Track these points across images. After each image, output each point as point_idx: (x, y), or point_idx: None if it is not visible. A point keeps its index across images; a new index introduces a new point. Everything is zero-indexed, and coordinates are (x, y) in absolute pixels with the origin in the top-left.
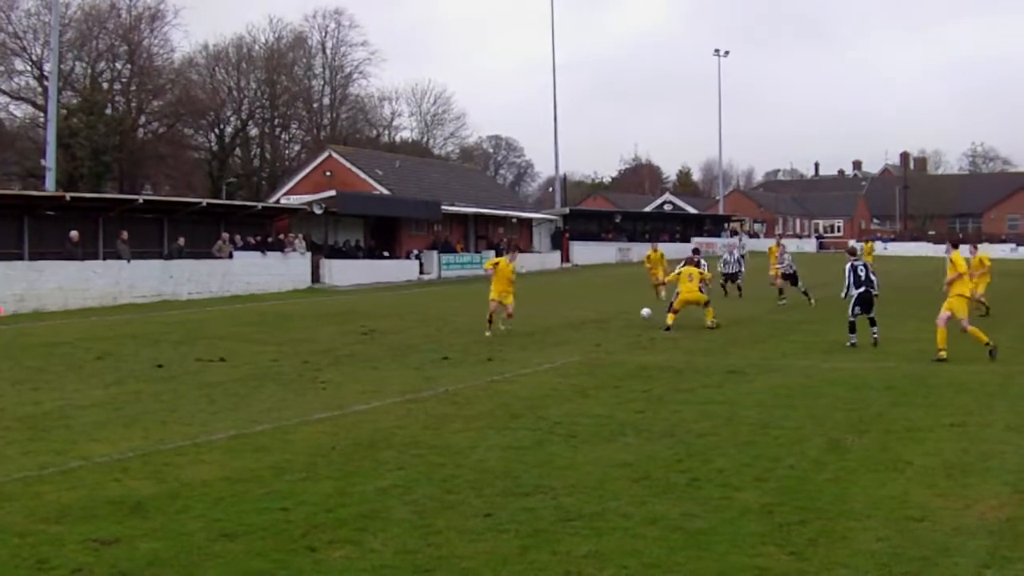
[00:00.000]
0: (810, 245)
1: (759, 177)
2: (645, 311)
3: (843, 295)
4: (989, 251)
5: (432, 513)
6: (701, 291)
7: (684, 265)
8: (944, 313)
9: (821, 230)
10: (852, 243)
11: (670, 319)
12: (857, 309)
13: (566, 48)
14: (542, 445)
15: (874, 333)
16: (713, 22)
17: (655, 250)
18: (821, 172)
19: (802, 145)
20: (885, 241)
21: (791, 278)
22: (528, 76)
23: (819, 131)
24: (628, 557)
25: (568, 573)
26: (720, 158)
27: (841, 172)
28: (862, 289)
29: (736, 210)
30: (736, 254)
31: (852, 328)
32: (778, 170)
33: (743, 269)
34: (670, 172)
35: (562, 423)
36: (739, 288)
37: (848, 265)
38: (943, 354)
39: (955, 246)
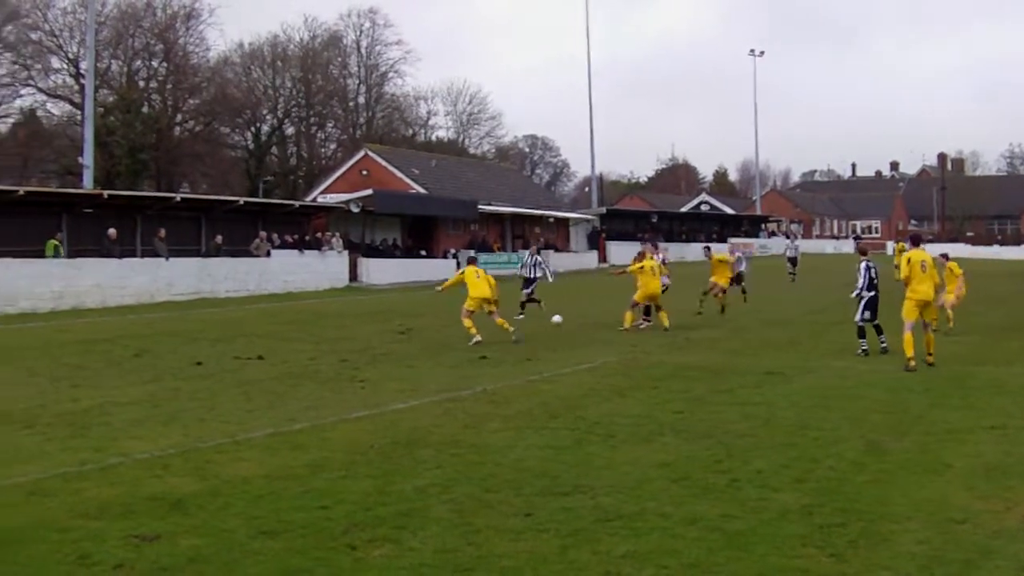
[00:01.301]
0: (848, 246)
1: (796, 178)
2: (556, 317)
3: (854, 295)
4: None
5: (471, 512)
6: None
7: (639, 259)
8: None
9: (858, 231)
10: (860, 241)
11: (630, 319)
12: (867, 313)
13: (602, 48)
14: (581, 445)
15: (882, 342)
16: (749, 22)
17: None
18: (858, 173)
19: (839, 146)
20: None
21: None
22: (564, 75)
23: (856, 132)
24: (667, 557)
25: (607, 573)
26: (756, 158)
27: (878, 173)
28: (874, 292)
29: (773, 210)
30: (738, 254)
31: (862, 333)
32: (815, 171)
33: (743, 269)
34: (706, 172)
35: (600, 423)
36: (744, 291)
37: (863, 265)
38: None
39: (915, 244)
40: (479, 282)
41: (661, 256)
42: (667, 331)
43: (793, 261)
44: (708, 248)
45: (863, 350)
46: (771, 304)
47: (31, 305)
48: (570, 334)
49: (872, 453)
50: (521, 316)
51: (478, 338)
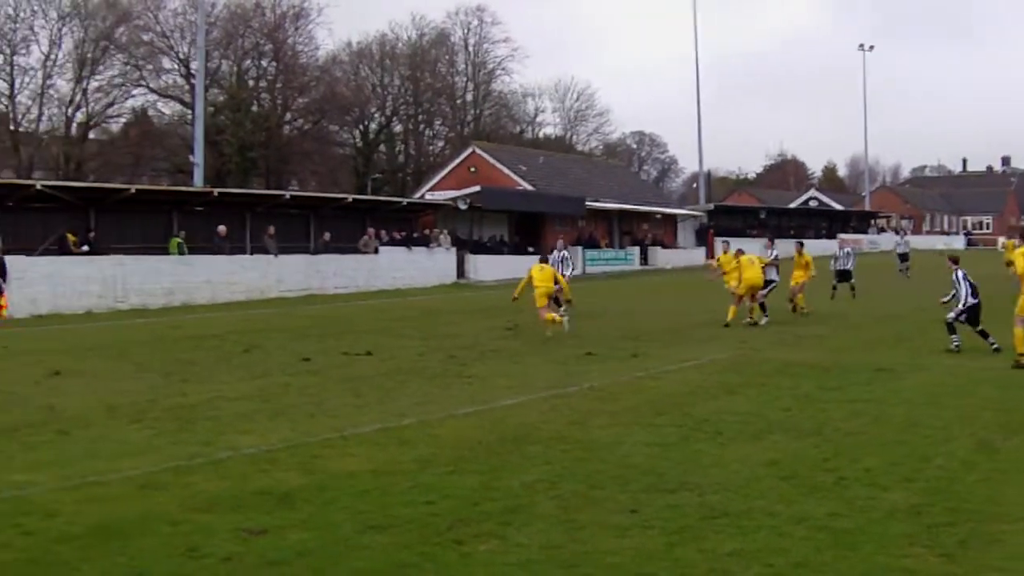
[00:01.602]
0: (959, 242)
1: (906, 173)
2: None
3: (961, 305)
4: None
5: (577, 508)
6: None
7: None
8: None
9: (969, 227)
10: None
11: (733, 312)
12: (964, 317)
13: (710, 43)
14: (687, 442)
15: (992, 343)
16: (858, 17)
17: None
18: (969, 168)
19: (949, 141)
20: None
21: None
22: (672, 71)
23: (966, 127)
24: (774, 556)
25: (713, 571)
26: (866, 154)
27: (990, 168)
28: (977, 300)
29: (883, 206)
30: (847, 250)
31: (952, 329)
32: (925, 166)
33: (850, 266)
34: (815, 168)
35: (708, 420)
36: (852, 288)
37: (960, 273)
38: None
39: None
40: (543, 274)
41: (774, 252)
42: (755, 325)
43: (903, 257)
44: (741, 251)
45: (956, 345)
46: (881, 300)
47: (141, 301)
48: (677, 330)
49: (983, 451)
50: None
51: (563, 321)
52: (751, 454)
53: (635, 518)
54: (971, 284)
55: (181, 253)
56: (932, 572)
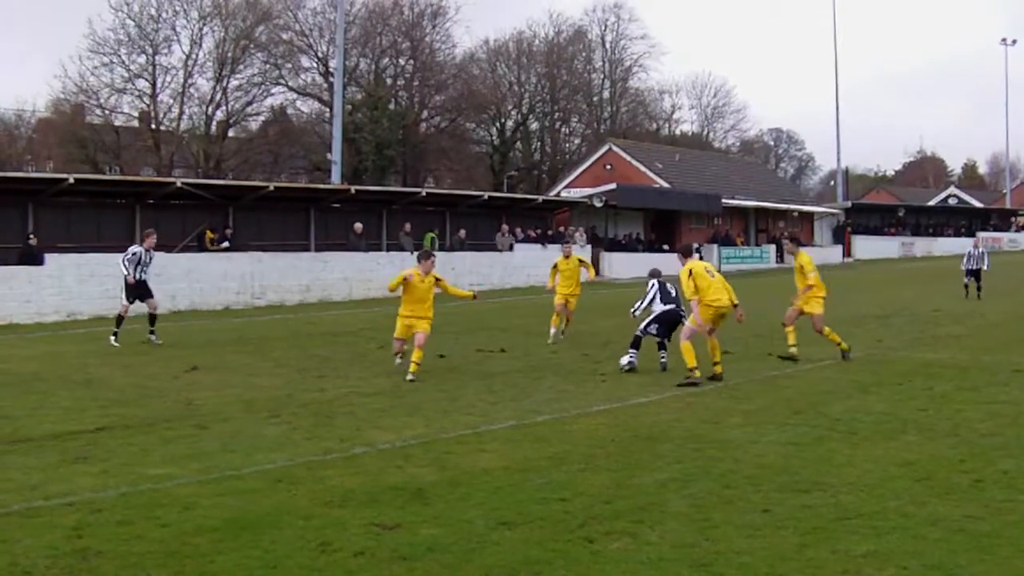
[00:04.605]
0: None
1: None
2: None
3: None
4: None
5: (709, 507)
6: None
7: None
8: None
9: None
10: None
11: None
12: (653, 327)
13: (849, 39)
14: (821, 442)
15: None
16: (1001, 10)
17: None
18: None
19: None
20: None
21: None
22: (810, 68)
23: None
24: (908, 558)
25: (846, 571)
26: (1007, 150)
27: None
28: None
29: None
30: (981, 249)
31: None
32: None
33: (986, 267)
34: (955, 165)
35: (842, 420)
36: (979, 288)
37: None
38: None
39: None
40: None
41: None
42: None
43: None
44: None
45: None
46: (1022, 300)
47: (279, 297)
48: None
49: None
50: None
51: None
52: (885, 454)
53: (767, 518)
54: (665, 293)
55: (433, 247)
56: None
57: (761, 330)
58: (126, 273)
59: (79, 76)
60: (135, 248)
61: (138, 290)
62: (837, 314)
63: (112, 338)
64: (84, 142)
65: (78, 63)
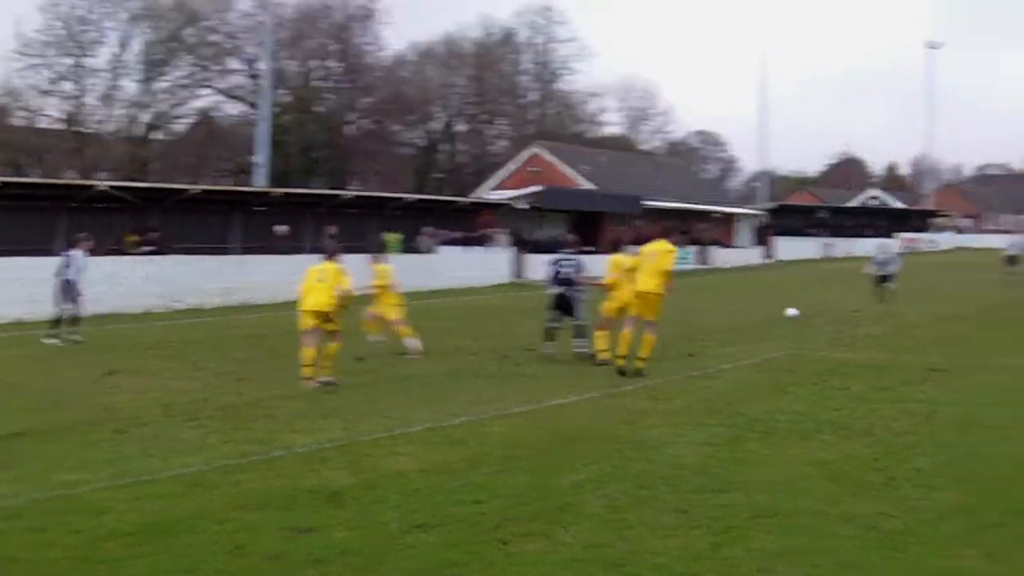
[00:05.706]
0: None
1: (969, 172)
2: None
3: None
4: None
5: (625, 508)
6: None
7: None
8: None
9: None
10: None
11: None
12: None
13: (775, 42)
14: (738, 442)
15: None
16: (926, 15)
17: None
18: None
19: (1019, 143)
20: None
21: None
22: (735, 71)
23: None
24: (821, 556)
25: (760, 570)
26: (928, 153)
27: None
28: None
29: (945, 206)
30: (890, 255)
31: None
32: (988, 164)
33: (897, 269)
34: (878, 167)
35: (760, 420)
36: (885, 292)
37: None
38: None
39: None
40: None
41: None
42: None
43: (1012, 260)
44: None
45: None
46: (941, 300)
47: (199, 301)
48: (733, 330)
49: None
50: None
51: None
52: (801, 454)
53: (682, 518)
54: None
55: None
56: (982, 573)
57: (683, 331)
58: (74, 279)
59: (3, 77)
60: (74, 252)
61: (73, 292)
62: (757, 316)
63: (77, 337)
64: (6, 144)
65: (2, 64)
